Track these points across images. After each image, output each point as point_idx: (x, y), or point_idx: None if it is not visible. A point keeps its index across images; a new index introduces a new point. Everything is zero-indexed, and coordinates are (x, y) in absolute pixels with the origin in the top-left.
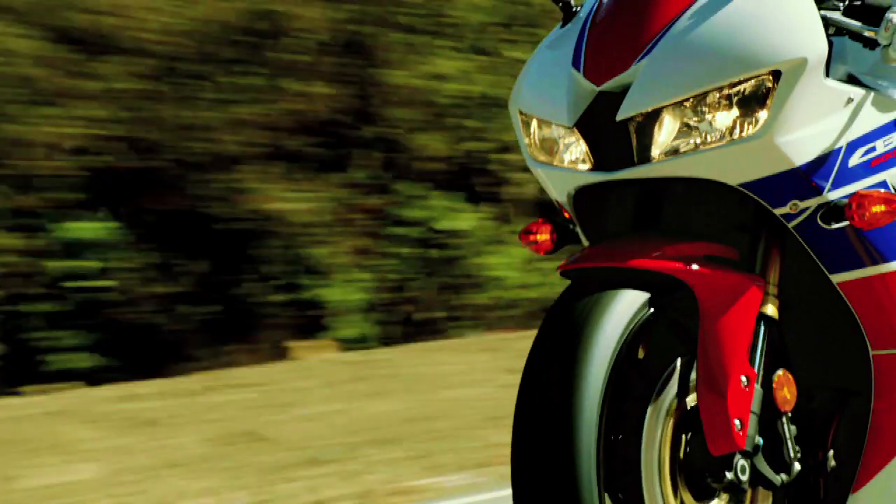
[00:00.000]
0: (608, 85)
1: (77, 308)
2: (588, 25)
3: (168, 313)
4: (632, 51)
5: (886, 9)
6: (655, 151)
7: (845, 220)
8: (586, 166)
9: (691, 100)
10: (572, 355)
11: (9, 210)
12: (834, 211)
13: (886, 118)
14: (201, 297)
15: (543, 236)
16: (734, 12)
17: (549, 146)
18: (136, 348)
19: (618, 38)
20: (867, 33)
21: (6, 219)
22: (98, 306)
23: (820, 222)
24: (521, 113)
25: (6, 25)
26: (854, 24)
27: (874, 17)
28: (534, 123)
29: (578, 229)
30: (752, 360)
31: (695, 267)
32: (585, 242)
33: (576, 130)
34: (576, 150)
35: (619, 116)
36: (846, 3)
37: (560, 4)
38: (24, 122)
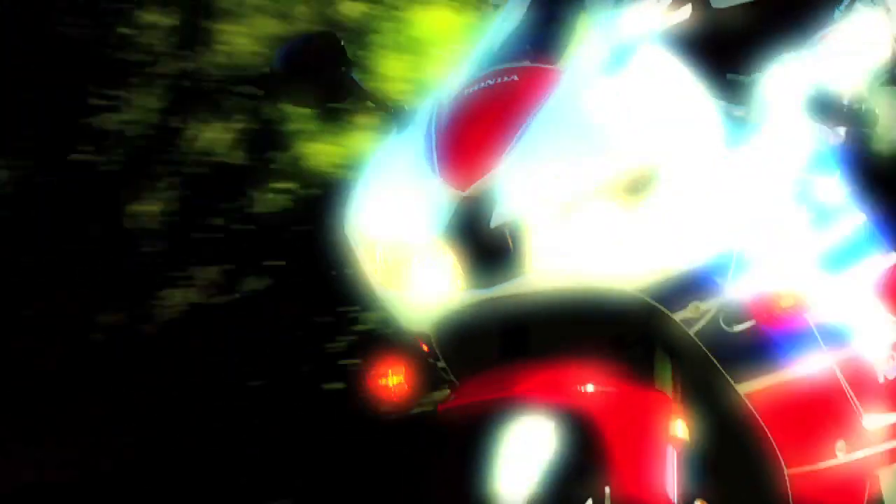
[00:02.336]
0: (473, 189)
1: None
2: (434, 129)
3: None
4: (496, 148)
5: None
6: (538, 260)
7: (750, 320)
8: (456, 286)
9: (575, 197)
10: None
11: None
12: (737, 311)
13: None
14: None
15: (398, 378)
16: (610, 98)
17: (405, 270)
18: None
19: (478, 137)
20: (737, 114)
21: None
22: None
23: (723, 325)
24: (362, 237)
25: None
26: (724, 104)
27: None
28: (380, 248)
29: (440, 365)
30: (667, 489)
31: (592, 390)
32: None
33: (443, 245)
34: (439, 270)
35: (494, 222)
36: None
37: (390, 110)
38: None
